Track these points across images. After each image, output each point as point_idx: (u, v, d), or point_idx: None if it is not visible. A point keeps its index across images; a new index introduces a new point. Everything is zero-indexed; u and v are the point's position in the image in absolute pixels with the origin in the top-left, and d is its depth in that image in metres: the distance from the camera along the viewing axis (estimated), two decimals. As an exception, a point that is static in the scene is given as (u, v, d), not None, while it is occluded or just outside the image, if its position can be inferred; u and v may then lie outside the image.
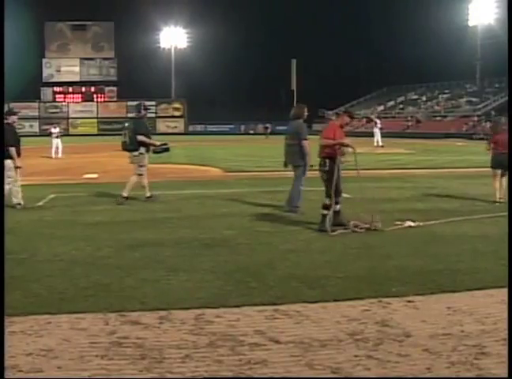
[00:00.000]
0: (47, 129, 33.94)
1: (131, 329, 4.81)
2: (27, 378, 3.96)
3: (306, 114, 11.39)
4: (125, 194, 12.49)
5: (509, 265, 5.99)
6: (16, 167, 11.53)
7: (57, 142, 27.73)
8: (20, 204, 11.55)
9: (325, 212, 9.34)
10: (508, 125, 12.85)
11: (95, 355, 4.28)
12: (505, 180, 12.19)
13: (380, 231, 9.06)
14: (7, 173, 11.38)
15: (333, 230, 9.06)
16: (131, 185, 12.66)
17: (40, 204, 12.28)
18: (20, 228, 9.32)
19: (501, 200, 11.94)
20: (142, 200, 12.55)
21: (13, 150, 11.47)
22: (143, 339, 4.57)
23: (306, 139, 11.06)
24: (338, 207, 9.63)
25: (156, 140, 13.35)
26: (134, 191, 12.66)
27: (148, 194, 12.79)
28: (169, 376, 3.97)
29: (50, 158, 27.05)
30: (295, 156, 11.16)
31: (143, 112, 13.24)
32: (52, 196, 12.19)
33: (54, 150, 27.65)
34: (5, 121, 11.76)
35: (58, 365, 4.12)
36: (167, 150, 13.33)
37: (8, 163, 11.38)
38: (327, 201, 9.42)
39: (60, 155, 27.53)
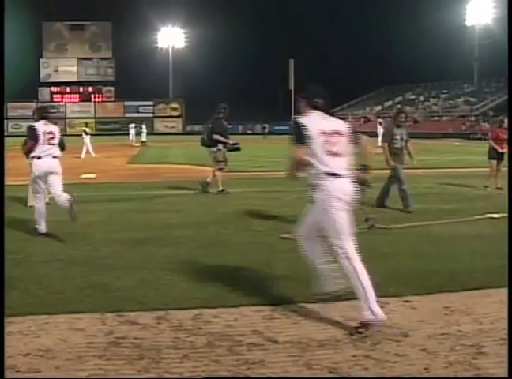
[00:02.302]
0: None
1: (129, 329, 4.80)
2: (25, 378, 3.96)
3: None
4: (220, 188, 13.94)
5: (509, 265, 5.99)
6: None
7: None
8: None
9: None
10: (508, 125, 12.99)
11: (92, 355, 4.28)
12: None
13: (376, 230, 9.07)
14: None
15: None
16: (220, 180, 14.06)
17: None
18: (18, 228, 9.29)
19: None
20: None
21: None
22: (141, 340, 4.57)
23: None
24: None
25: (231, 140, 14.41)
26: (135, 191, 12.66)
27: (220, 188, 13.97)
28: (167, 376, 3.97)
29: None
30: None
31: (222, 114, 14.33)
32: (50, 196, 12.14)
33: None
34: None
35: (55, 366, 4.11)
36: (238, 149, 14.47)
37: None
38: None
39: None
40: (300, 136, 4.86)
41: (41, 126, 8.97)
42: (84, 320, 5.01)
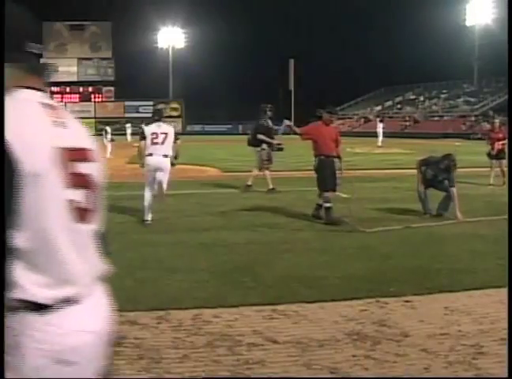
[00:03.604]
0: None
1: (129, 329, 4.80)
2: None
3: None
4: (270, 186, 14.18)
5: (509, 265, 5.99)
6: None
7: None
8: None
9: (327, 205, 9.93)
10: (508, 124, 13.11)
11: (92, 355, 4.27)
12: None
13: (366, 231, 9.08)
14: None
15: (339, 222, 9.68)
16: (269, 179, 14.33)
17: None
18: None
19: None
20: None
21: None
22: (141, 340, 4.57)
23: None
24: (329, 205, 10.06)
25: (275, 139, 14.56)
26: (135, 191, 12.67)
27: (270, 186, 14.15)
28: (167, 376, 3.97)
29: None
30: None
31: (268, 114, 14.64)
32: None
33: None
34: None
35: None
36: (281, 149, 14.68)
37: None
38: (325, 195, 10.04)
39: None
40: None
41: (151, 127, 10.18)
42: (84, 320, 5.00)
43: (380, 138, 38.87)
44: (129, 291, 5.86)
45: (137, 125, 46.09)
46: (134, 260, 7.17)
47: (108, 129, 37.34)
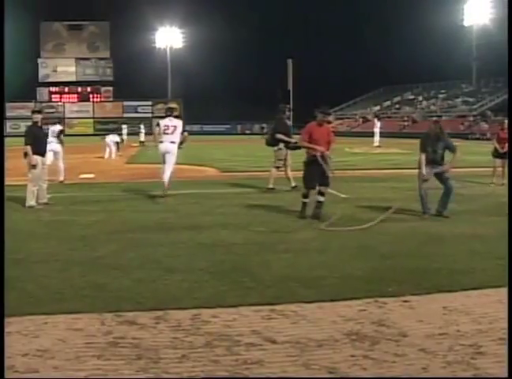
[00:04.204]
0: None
1: (127, 329, 4.80)
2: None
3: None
4: (270, 186, 14.38)
5: (509, 265, 6.00)
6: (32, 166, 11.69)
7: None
8: (32, 206, 11.62)
9: (303, 200, 10.49)
10: (508, 124, 13.16)
11: (91, 355, 4.28)
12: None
13: (362, 230, 9.09)
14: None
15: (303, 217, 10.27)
16: (272, 177, 14.50)
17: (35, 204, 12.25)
18: (17, 228, 9.29)
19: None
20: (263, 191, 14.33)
21: (27, 148, 11.66)
22: (139, 340, 4.57)
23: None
24: (323, 198, 10.50)
25: (292, 139, 14.51)
26: (134, 191, 12.65)
27: (293, 184, 14.13)
28: (165, 376, 3.97)
29: None
30: None
31: (287, 114, 15.02)
32: (49, 196, 12.17)
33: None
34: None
35: (54, 366, 4.11)
36: (298, 148, 14.47)
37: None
38: (304, 191, 10.60)
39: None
40: None
41: (163, 121, 13.65)
42: (82, 320, 5.01)
43: (377, 138, 38.46)
44: (127, 291, 5.87)
45: (136, 126, 46.09)
46: (133, 260, 7.18)
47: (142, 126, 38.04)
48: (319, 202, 10.46)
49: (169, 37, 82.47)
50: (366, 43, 76.82)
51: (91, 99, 78.87)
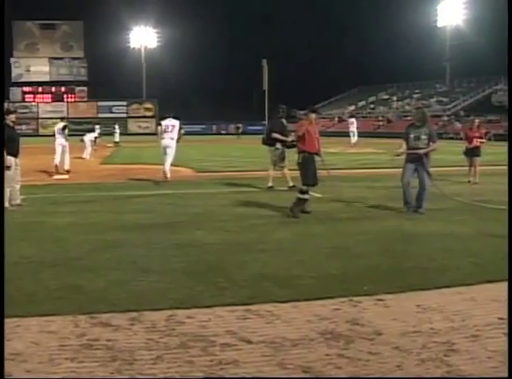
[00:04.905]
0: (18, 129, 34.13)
1: (101, 331, 4.77)
2: (-5, 382, 3.91)
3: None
4: (270, 184, 14.77)
5: (509, 262, 6.06)
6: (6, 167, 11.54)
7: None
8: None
9: (305, 196, 10.60)
10: (508, 124, 13.61)
11: (64, 358, 4.24)
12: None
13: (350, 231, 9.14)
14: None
15: (296, 216, 10.31)
16: (271, 176, 14.94)
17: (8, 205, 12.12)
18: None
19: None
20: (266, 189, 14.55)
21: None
22: (113, 341, 4.54)
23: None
24: (308, 196, 10.72)
25: (288, 138, 14.48)
26: (108, 192, 12.57)
27: (290, 184, 14.25)
28: (140, 377, 3.95)
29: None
30: None
31: (281, 114, 15.01)
32: (22, 197, 12.05)
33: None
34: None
35: (27, 369, 4.07)
36: (294, 146, 14.62)
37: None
38: (303, 188, 10.65)
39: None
40: None
41: (164, 121, 16.97)
42: (56, 323, 4.97)
43: (354, 138, 38.23)
44: (102, 293, 5.83)
45: (110, 126, 45.79)
46: (108, 262, 7.13)
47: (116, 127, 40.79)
48: (300, 198, 10.66)
49: (143, 37, 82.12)
50: (341, 44, 77.30)
51: (65, 99, 78.20)
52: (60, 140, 19.85)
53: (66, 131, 20.20)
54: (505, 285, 5.91)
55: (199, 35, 72.42)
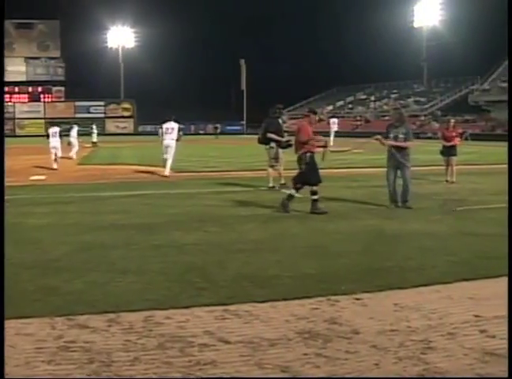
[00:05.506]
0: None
1: (79, 333, 4.73)
2: (-30, 386, 3.86)
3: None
4: (270, 185, 14.79)
5: (509, 260, 6.12)
6: None
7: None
8: None
9: (316, 197, 10.80)
10: (508, 124, 13.88)
11: (41, 361, 4.20)
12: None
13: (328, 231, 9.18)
14: None
15: (324, 212, 10.66)
16: (270, 176, 14.98)
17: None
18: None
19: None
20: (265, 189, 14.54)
21: None
22: (91, 343, 4.51)
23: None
24: (299, 195, 11.02)
25: (283, 138, 14.85)
26: (86, 193, 12.49)
27: (282, 181, 14.65)
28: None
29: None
30: None
31: (277, 114, 15.36)
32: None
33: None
34: None
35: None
36: (290, 146, 14.80)
37: None
38: (313, 188, 10.89)
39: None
40: None
41: (165, 124, 19.13)
42: (33, 325, 4.92)
43: (332, 138, 38.38)
44: (79, 294, 5.80)
45: (88, 126, 45.48)
46: (85, 263, 7.09)
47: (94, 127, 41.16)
48: (292, 196, 10.96)
49: (121, 36, 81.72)
50: (319, 44, 77.54)
51: (42, 99, 77.60)
52: (54, 144, 22.39)
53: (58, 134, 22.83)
54: (480, 283, 6.01)
55: (177, 35, 72.25)
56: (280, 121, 15.20)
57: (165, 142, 18.81)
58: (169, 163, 18.57)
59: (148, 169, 21.01)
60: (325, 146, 13.95)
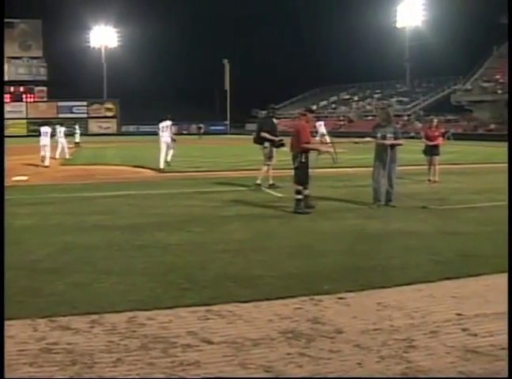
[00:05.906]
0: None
1: (61, 335, 4.70)
2: (-49, 389, 3.82)
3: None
4: (258, 181, 14.66)
5: (509, 258, 6.15)
6: None
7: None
8: None
9: (299, 196, 10.83)
10: (508, 124, 13.98)
11: (23, 363, 4.17)
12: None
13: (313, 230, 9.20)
14: None
15: (306, 212, 10.65)
16: (261, 174, 14.93)
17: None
18: None
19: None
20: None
21: None
22: (73, 345, 4.48)
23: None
24: (307, 191, 11.11)
25: (277, 137, 14.92)
26: (69, 193, 12.41)
27: (270, 182, 14.94)
28: (100, 380, 3.91)
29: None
30: None
31: (271, 113, 15.50)
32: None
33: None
34: None
35: (-16, 374, 3.99)
36: (282, 145, 14.99)
37: None
38: (299, 188, 10.91)
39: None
40: None
41: (161, 123, 21.59)
42: (14, 327, 4.88)
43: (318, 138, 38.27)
44: (62, 295, 5.76)
45: (70, 126, 45.20)
46: (68, 264, 7.04)
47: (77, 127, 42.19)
48: (300, 199, 11.00)
49: (104, 36, 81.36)
50: (302, 44, 77.67)
51: (24, 100, 77.06)
52: (45, 142, 24.32)
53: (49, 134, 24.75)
54: (462, 282, 6.05)
55: (160, 35, 72.05)
56: (274, 120, 15.32)
57: (163, 139, 21.18)
58: (169, 156, 21.08)
59: (131, 169, 20.95)
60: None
